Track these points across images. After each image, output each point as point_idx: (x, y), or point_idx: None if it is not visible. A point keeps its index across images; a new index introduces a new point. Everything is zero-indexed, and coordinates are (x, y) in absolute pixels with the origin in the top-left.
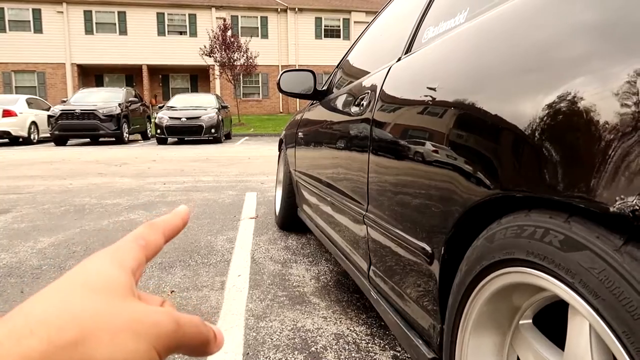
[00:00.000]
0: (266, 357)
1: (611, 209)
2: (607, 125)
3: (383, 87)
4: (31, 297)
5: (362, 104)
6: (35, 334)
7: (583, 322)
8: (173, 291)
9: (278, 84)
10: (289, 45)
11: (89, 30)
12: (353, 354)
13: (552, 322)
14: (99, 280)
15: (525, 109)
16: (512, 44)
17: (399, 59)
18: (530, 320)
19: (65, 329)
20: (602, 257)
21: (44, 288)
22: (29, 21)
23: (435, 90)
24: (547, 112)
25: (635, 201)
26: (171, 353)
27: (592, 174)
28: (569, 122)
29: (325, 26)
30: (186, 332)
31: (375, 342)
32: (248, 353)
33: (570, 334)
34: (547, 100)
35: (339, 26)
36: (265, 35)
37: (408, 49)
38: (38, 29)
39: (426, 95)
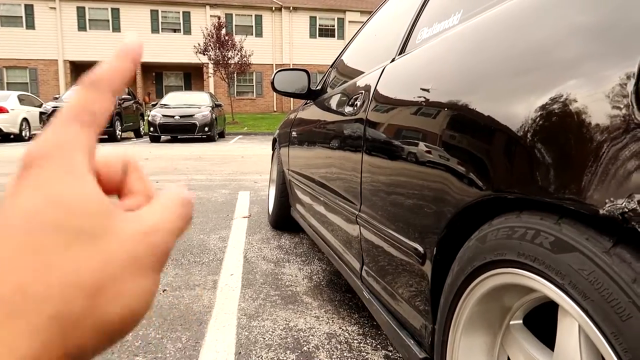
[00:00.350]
0: (258, 357)
1: (601, 211)
2: (597, 129)
3: (377, 88)
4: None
5: (356, 104)
6: (43, 313)
7: (573, 323)
8: (165, 290)
9: (272, 83)
10: (284, 44)
11: (82, 27)
12: (345, 354)
13: (543, 322)
14: (73, 214)
15: (517, 111)
16: (504, 47)
17: (393, 60)
18: (521, 321)
19: (72, 301)
20: (592, 259)
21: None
22: (21, 17)
23: (428, 92)
24: (538, 114)
25: (624, 203)
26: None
27: (583, 176)
28: (559, 124)
29: (319, 25)
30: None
31: (367, 341)
32: (240, 352)
33: (560, 334)
34: (538, 102)
35: (334, 25)
36: (259, 34)
37: (402, 50)
38: (30, 25)
39: (419, 96)
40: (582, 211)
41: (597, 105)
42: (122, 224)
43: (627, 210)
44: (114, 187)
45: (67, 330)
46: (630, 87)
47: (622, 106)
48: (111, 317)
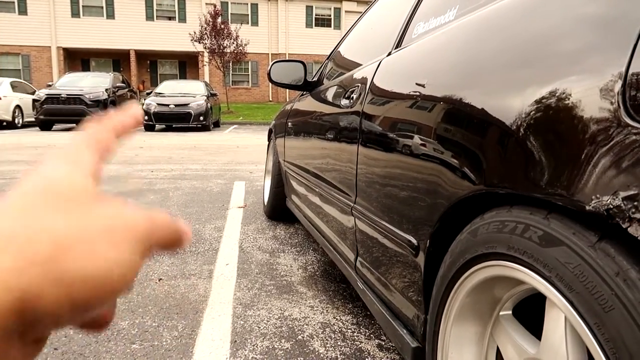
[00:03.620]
0: (253, 345)
1: (587, 207)
2: (586, 128)
3: (373, 81)
4: None
5: (352, 96)
6: (7, 251)
7: (559, 314)
8: (161, 279)
9: (269, 74)
10: (279, 33)
11: (75, 13)
12: (339, 343)
13: (531, 313)
14: (64, 188)
15: (509, 108)
16: (499, 43)
17: (390, 54)
18: (510, 312)
19: (38, 243)
20: (578, 253)
21: (1, 202)
22: (14, 2)
23: (423, 86)
24: (530, 112)
25: (609, 200)
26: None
27: (571, 173)
28: (550, 123)
29: (316, 15)
30: (161, 231)
31: (361, 331)
32: (236, 341)
33: (547, 325)
34: (529, 101)
35: (330, 15)
36: (255, 23)
37: (398, 44)
38: (23, 11)
39: (415, 91)
40: (570, 207)
41: (586, 105)
42: (107, 204)
43: (611, 206)
44: None
45: (24, 269)
46: (617, 88)
47: (610, 107)
48: (74, 274)
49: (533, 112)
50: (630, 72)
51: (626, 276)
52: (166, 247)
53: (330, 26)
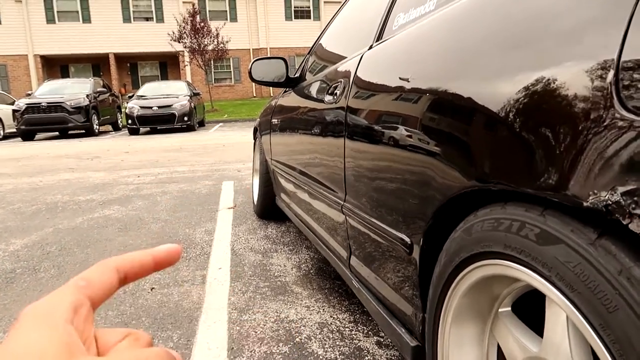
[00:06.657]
0: (251, 351)
1: (585, 204)
2: (580, 121)
3: (356, 75)
4: None
5: (336, 92)
6: None
7: (560, 312)
8: (153, 288)
9: (249, 73)
10: (259, 28)
11: (50, 20)
12: (337, 342)
13: (531, 307)
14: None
15: (499, 99)
16: (479, 33)
17: (371, 47)
18: (509, 308)
19: None
20: (577, 251)
21: None
22: None
23: (407, 80)
24: (521, 104)
25: (607, 196)
26: None
27: (566, 168)
28: (542, 115)
29: (295, 7)
30: None
31: (359, 328)
32: (233, 348)
33: (548, 322)
34: (520, 93)
35: (309, 7)
36: (234, 19)
37: (379, 36)
38: None
39: (398, 84)
40: (566, 203)
41: (579, 97)
42: None
43: (610, 202)
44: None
45: None
46: (610, 78)
47: (603, 98)
48: None
49: (524, 104)
50: (622, 59)
51: (629, 274)
52: None
53: (310, 18)
